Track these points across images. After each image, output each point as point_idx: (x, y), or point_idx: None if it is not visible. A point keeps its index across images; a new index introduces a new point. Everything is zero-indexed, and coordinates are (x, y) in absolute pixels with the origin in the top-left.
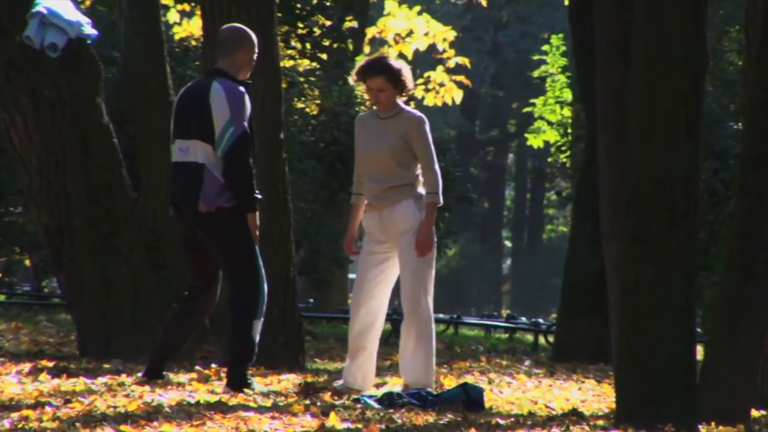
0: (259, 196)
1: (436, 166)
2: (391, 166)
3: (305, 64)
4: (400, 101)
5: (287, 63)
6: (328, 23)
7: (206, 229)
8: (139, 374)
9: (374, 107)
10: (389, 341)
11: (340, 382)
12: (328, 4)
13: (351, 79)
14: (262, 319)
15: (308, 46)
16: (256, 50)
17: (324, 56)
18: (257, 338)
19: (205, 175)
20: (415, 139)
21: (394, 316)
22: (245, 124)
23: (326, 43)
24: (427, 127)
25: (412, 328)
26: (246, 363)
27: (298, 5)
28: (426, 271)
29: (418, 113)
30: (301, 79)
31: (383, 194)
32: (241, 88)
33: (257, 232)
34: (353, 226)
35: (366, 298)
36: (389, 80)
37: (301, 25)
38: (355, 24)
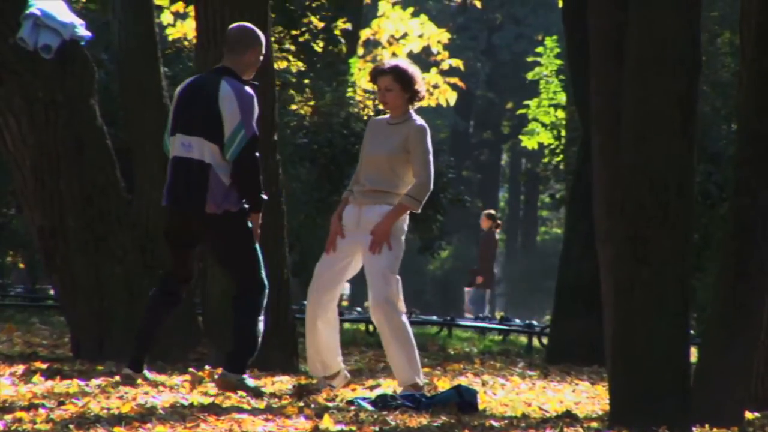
0: (265, 197)
1: (430, 176)
2: (385, 170)
3: (300, 65)
4: (412, 111)
5: (281, 64)
6: (321, 24)
7: (210, 230)
8: (126, 370)
9: (386, 113)
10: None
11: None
12: (317, 5)
13: (366, 81)
14: (263, 316)
15: (301, 47)
16: (264, 52)
17: (316, 57)
18: (261, 333)
19: (211, 175)
20: (413, 145)
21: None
22: (254, 126)
23: (319, 47)
24: (428, 137)
25: (385, 328)
26: (249, 355)
27: (291, 6)
28: (393, 268)
29: (420, 121)
30: (293, 80)
31: (369, 193)
32: (251, 90)
33: (258, 231)
34: (336, 218)
35: (321, 293)
36: (397, 80)
37: (295, 29)
38: (348, 26)
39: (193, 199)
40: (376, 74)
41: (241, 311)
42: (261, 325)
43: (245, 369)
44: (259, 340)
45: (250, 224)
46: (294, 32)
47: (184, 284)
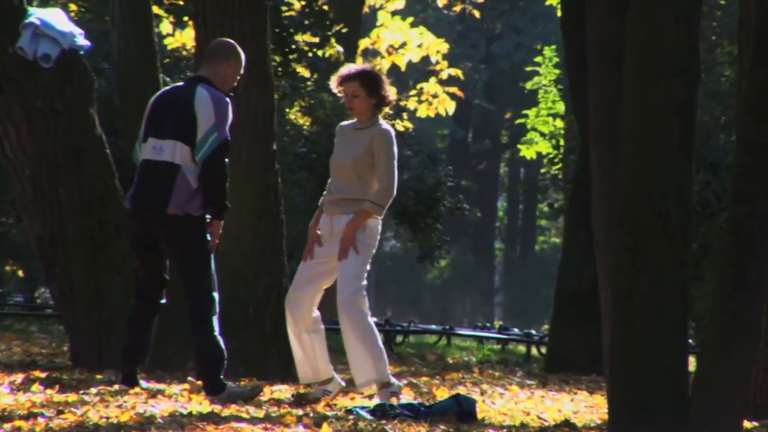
0: (229, 205)
1: (393, 182)
2: (351, 177)
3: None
4: (380, 116)
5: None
6: (315, 40)
7: (168, 232)
8: (117, 386)
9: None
10: None
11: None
12: (308, 22)
13: (332, 86)
14: (217, 324)
15: (294, 65)
16: (242, 70)
17: (307, 73)
18: (221, 341)
19: (179, 176)
20: (377, 150)
21: (386, 327)
22: (227, 132)
23: (305, 70)
24: (393, 142)
25: (350, 329)
26: (220, 369)
27: (283, 22)
28: (358, 273)
29: (386, 126)
30: (303, 101)
31: (337, 202)
32: (226, 98)
33: (217, 241)
34: (313, 225)
35: (301, 304)
36: (363, 85)
37: (284, 47)
38: (344, 42)
39: (156, 200)
40: (344, 79)
41: (198, 330)
42: (218, 330)
43: (223, 384)
44: (223, 348)
45: (208, 236)
46: (285, 50)
47: (157, 291)
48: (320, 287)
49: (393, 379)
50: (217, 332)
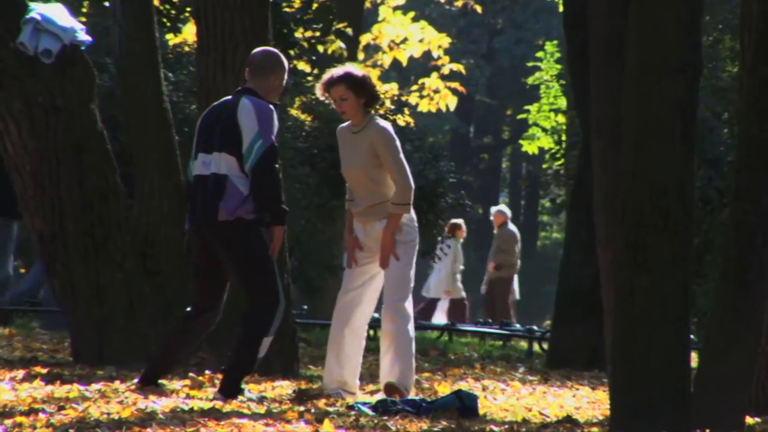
0: (286, 209)
1: (406, 175)
2: (366, 184)
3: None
4: (373, 115)
5: None
6: (313, 36)
7: (223, 239)
8: (134, 381)
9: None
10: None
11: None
12: (308, 17)
13: (318, 93)
14: (273, 336)
15: (295, 60)
16: (286, 76)
17: (308, 69)
18: (262, 354)
19: (228, 185)
20: (379, 149)
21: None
22: (273, 138)
23: (307, 68)
24: (392, 137)
25: (390, 332)
26: (244, 375)
27: (283, 19)
28: (404, 277)
29: (382, 123)
30: (307, 100)
31: (365, 212)
32: (270, 106)
33: (278, 247)
34: (348, 232)
35: (349, 307)
36: (350, 88)
37: (284, 44)
38: (345, 38)
39: (207, 210)
40: (329, 85)
41: (248, 329)
42: (264, 347)
43: (241, 389)
44: (259, 359)
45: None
46: (285, 45)
47: (208, 313)
48: (373, 285)
49: (408, 393)
50: (263, 345)
